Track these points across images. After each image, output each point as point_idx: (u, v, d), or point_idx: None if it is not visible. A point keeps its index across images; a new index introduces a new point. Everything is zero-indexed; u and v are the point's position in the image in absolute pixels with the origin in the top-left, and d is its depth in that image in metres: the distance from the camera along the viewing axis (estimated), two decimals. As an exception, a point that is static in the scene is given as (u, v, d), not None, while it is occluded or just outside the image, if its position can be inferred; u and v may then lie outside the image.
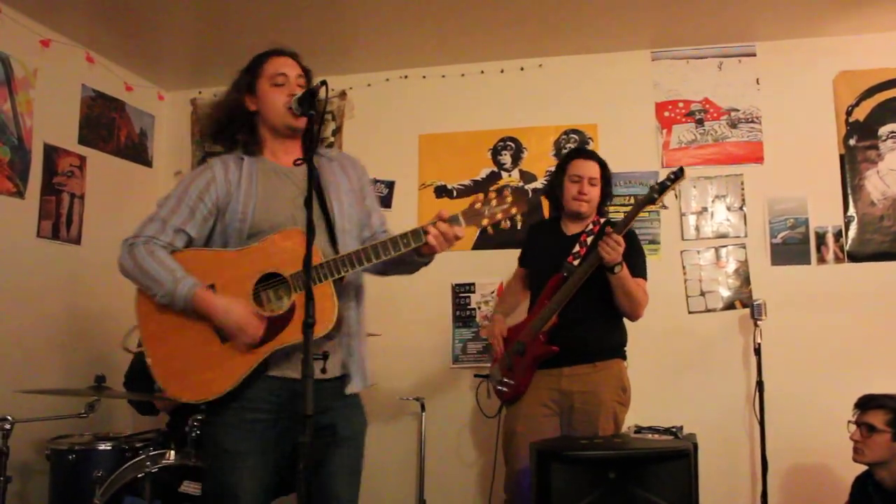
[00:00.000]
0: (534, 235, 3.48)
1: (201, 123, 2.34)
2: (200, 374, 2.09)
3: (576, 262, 3.09)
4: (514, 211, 2.03)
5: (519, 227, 4.15)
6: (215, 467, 2.16)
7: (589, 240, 3.14)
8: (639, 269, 3.10)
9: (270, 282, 2.10)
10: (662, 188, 2.92)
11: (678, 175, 2.91)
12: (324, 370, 2.11)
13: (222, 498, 2.09)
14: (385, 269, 2.28)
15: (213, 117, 2.30)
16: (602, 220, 3.22)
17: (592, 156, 3.27)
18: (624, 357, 3.18)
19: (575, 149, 3.49)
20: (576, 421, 3.06)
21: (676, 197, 2.93)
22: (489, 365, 3.41)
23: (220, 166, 2.21)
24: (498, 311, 3.44)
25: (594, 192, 3.18)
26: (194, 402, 2.14)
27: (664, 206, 3.06)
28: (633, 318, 3.13)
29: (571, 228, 3.23)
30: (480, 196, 2.06)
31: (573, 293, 3.02)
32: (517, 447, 3.10)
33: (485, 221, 2.04)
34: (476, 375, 3.89)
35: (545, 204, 4.17)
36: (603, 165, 3.24)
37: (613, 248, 2.88)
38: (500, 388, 3.22)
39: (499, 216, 2.03)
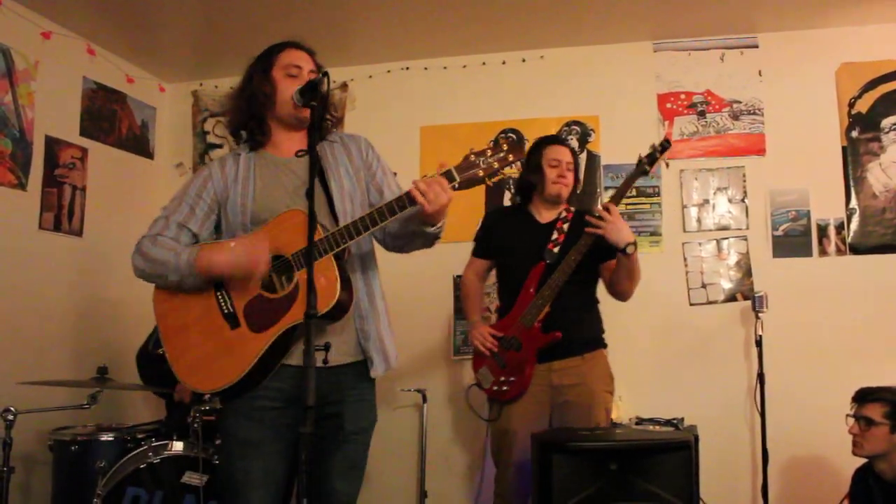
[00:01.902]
0: (497, 222, 3.39)
1: (224, 113, 2.35)
2: (215, 362, 2.11)
3: (556, 250, 3.08)
4: (510, 158, 2.00)
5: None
6: (226, 455, 2.18)
7: (565, 226, 3.13)
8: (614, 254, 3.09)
9: (278, 263, 2.10)
10: (652, 160, 2.99)
11: (665, 146, 2.99)
12: (325, 361, 2.10)
13: (233, 485, 2.11)
14: (402, 244, 2.28)
15: (236, 104, 2.28)
16: (573, 209, 3.21)
17: (565, 142, 3.31)
18: (605, 346, 3.17)
19: (546, 136, 3.49)
20: (570, 414, 3.04)
21: (667, 166, 2.98)
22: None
23: (217, 164, 2.27)
24: (473, 319, 3.30)
25: (571, 177, 3.20)
26: (211, 392, 2.17)
27: (663, 166, 3.07)
28: (626, 298, 3.11)
29: (545, 216, 3.20)
30: (475, 148, 2.03)
31: (565, 281, 2.99)
32: (512, 445, 3.06)
33: (480, 173, 2.00)
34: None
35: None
36: (573, 153, 3.26)
37: (611, 221, 2.88)
38: (498, 388, 3.11)
39: (496, 165, 2.00)
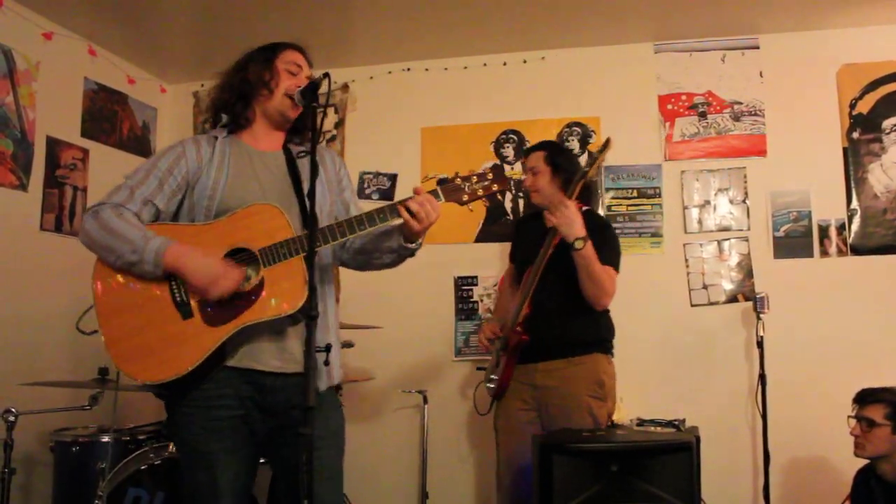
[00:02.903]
0: (519, 229, 3.53)
1: (210, 93, 2.30)
2: (160, 353, 1.99)
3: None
4: (494, 188, 2.04)
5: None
6: (188, 468, 2.10)
7: None
8: (606, 258, 3.02)
9: (237, 257, 2.02)
10: (592, 161, 2.99)
11: (605, 146, 2.99)
12: (327, 363, 2.07)
13: (201, 498, 2.04)
14: (366, 261, 2.24)
15: (228, 84, 2.23)
16: (584, 209, 3.18)
17: (535, 147, 3.33)
18: (605, 351, 3.14)
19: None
20: (552, 416, 3.06)
21: (601, 167, 3.08)
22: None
23: (192, 143, 2.17)
24: (493, 318, 3.46)
25: (538, 181, 3.18)
26: (153, 384, 2.02)
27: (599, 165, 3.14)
28: (597, 305, 3.04)
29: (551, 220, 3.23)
30: (461, 172, 2.06)
31: (538, 276, 3.02)
32: (499, 441, 3.18)
33: (465, 197, 2.03)
34: (479, 368, 3.90)
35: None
36: (549, 150, 3.25)
37: (562, 213, 2.88)
38: (488, 385, 3.27)
39: (479, 193, 2.03)
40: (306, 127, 2.22)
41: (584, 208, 3.19)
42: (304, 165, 2.16)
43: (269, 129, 2.22)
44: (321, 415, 2.06)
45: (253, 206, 2.04)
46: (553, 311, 3.06)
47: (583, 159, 4.16)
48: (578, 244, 2.87)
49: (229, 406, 2.03)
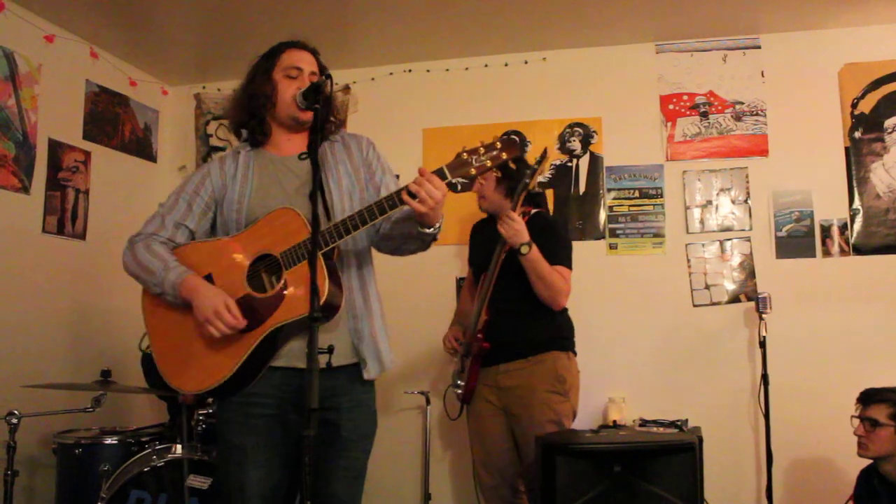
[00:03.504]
0: (474, 234, 3.54)
1: (225, 112, 2.36)
2: (200, 362, 2.09)
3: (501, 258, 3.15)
4: (504, 156, 1.93)
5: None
6: (223, 462, 2.18)
7: None
8: (557, 258, 3.08)
9: (266, 263, 2.09)
10: (532, 172, 2.98)
11: (543, 157, 3.00)
12: (329, 364, 2.09)
13: (230, 492, 2.10)
14: (395, 246, 2.25)
15: (238, 103, 2.29)
16: (533, 212, 3.24)
17: None
18: (565, 348, 3.17)
19: None
20: (515, 415, 3.12)
21: (540, 178, 3.17)
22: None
23: (216, 162, 2.27)
24: (454, 323, 3.48)
25: (484, 188, 3.21)
26: (195, 393, 2.14)
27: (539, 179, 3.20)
28: (553, 305, 3.10)
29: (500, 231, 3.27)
30: (467, 146, 1.98)
31: (492, 284, 3.08)
32: (473, 444, 3.28)
33: (473, 171, 1.95)
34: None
35: (549, 197, 4.17)
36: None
37: (508, 225, 2.93)
38: (455, 390, 3.32)
39: (488, 164, 1.94)
40: (325, 124, 2.25)
41: (534, 211, 3.26)
42: (326, 161, 2.21)
43: (288, 134, 2.26)
44: (354, 416, 2.15)
45: (274, 212, 2.10)
46: (510, 314, 3.12)
47: (584, 160, 4.18)
48: (524, 249, 2.96)
49: (266, 404, 2.10)
